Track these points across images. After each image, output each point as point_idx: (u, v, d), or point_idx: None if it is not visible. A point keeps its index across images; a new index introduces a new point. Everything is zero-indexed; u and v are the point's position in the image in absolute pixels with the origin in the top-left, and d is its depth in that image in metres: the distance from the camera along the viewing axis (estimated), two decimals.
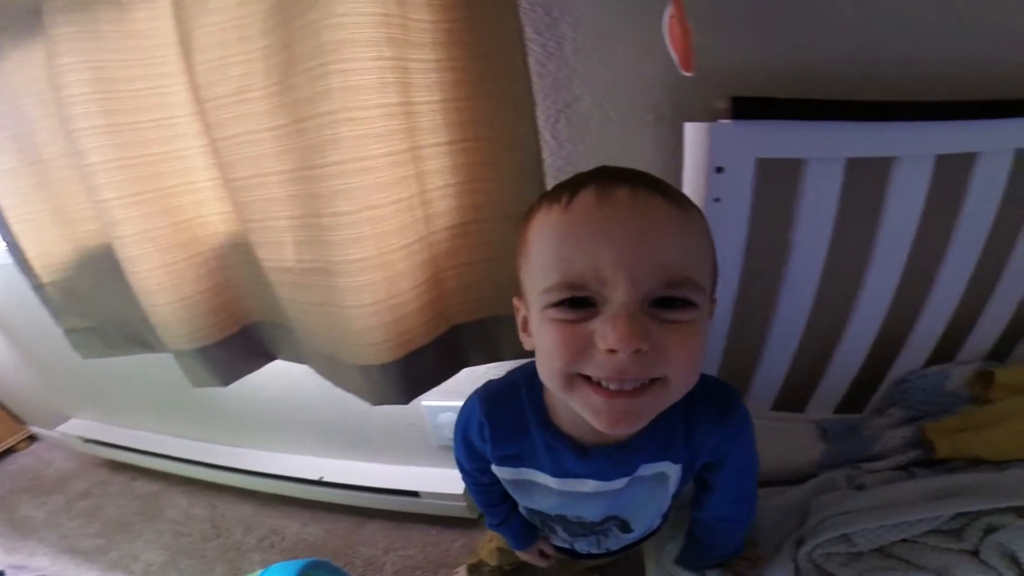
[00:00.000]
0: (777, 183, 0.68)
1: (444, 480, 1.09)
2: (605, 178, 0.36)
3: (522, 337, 0.45)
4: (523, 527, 0.65)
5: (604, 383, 0.35)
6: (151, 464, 1.42)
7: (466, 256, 0.69)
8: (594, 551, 0.63)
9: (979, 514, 0.59)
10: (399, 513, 1.21)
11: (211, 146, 0.65)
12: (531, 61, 0.63)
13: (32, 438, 1.79)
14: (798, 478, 0.75)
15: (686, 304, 0.35)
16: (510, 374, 0.53)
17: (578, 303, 0.35)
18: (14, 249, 0.94)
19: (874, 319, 0.73)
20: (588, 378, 0.36)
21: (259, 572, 0.73)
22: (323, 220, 0.59)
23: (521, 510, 0.61)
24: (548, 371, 0.38)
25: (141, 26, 0.66)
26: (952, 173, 0.64)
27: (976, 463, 0.73)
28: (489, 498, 0.62)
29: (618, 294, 0.33)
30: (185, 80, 0.65)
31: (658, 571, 0.67)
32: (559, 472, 0.49)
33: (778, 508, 0.70)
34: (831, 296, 0.73)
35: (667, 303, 0.34)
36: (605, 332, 0.33)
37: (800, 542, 0.63)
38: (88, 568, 1.22)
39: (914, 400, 0.80)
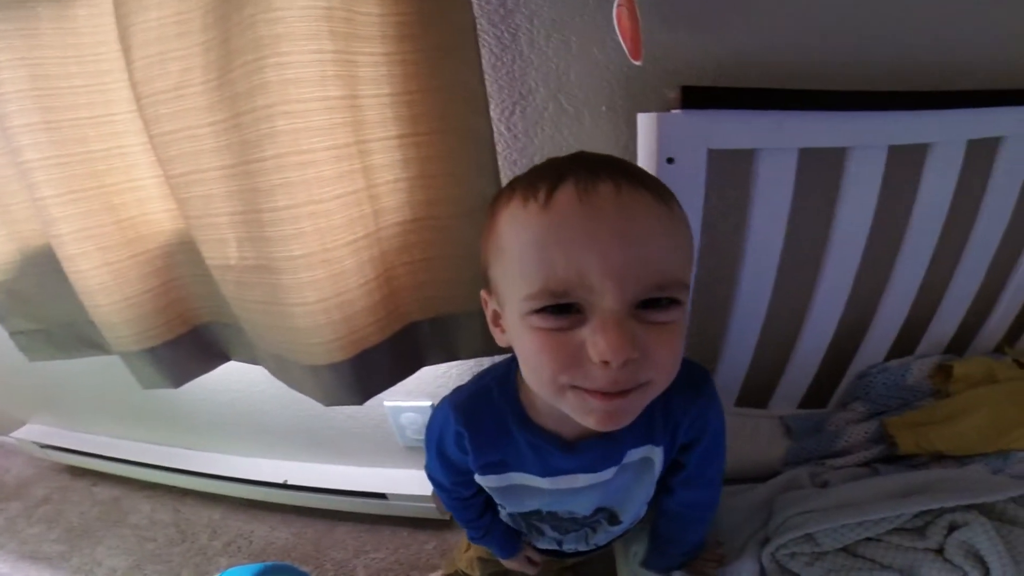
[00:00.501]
0: (731, 175, 0.69)
1: (411, 481, 1.08)
2: (585, 171, 0.34)
3: (494, 332, 0.43)
4: (507, 535, 0.64)
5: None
6: (112, 469, 1.38)
7: (420, 252, 0.67)
8: (582, 548, 0.63)
9: (942, 511, 0.60)
10: (369, 516, 1.20)
11: (150, 142, 0.62)
12: (485, 53, 0.62)
13: None
14: (764, 475, 0.75)
15: (671, 303, 0.34)
16: (479, 378, 0.51)
17: (562, 309, 0.33)
18: None
19: (833, 312, 0.74)
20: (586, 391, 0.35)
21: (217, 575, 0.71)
22: (263, 216, 0.57)
23: (504, 517, 0.60)
24: (537, 380, 0.36)
25: (82, 23, 0.64)
26: (906, 164, 0.64)
27: (938, 458, 0.74)
28: (470, 512, 0.61)
29: (607, 302, 0.32)
30: (126, 77, 0.62)
31: (627, 573, 0.67)
32: (547, 471, 0.48)
33: (742, 507, 0.70)
34: (789, 289, 0.74)
35: (653, 303, 0.33)
36: (596, 342, 0.32)
37: (765, 542, 0.64)
38: (50, 574, 1.19)
39: (876, 394, 0.81)
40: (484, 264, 0.40)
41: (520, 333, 0.36)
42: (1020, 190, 0.71)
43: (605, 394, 0.34)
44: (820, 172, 0.67)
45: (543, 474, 0.49)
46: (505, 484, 0.51)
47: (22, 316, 0.95)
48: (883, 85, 0.60)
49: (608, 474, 0.49)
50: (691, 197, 0.58)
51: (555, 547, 0.64)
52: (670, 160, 0.55)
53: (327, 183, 0.56)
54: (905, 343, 0.82)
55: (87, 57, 0.65)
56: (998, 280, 0.81)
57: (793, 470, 0.75)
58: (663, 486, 0.58)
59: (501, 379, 0.49)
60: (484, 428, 0.48)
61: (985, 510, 0.60)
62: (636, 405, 0.36)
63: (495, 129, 0.66)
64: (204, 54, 0.55)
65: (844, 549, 0.61)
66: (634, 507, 0.56)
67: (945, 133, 0.64)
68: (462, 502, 0.60)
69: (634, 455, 0.49)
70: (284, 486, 1.15)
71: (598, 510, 0.54)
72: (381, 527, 1.19)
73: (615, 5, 0.51)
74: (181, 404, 1.17)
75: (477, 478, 0.51)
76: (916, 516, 0.60)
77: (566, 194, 0.33)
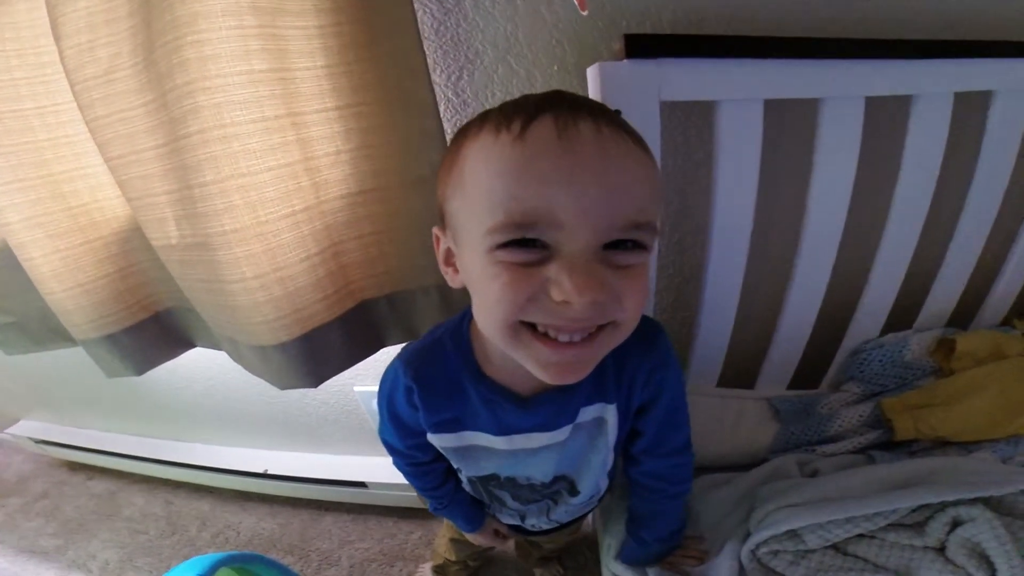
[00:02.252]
0: (695, 131, 0.66)
1: (390, 469, 1.05)
2: (564, 107, 0.32)
3: (445, 273, 0.41)
4: (471, 506, 0.63)
5: (552, 333, 0.33)
6: (107, 463, 1.42)
7: (369, 226, 0.66)
8: (544, 526, 0.62)
9: (943, 505, 0.55)
10: (354, 506, 1.21)
11: (87, 127, 0.62)
12: (427, 19, 0.61)
13: None
14: (749, 464, 0.72)
15: (638, 247, 0.33)
16: (431, 332, 0.49)
17: (527, 243, 0.31)
18: None
19: (818, 281, 0.69)
20: (533, 327, 0.34)
21: (173, 568, 0.71)
22: (193, 191, 0.56)
23: (465, 485, 0.59)
24: (491, 320, 0.35)
25: (21, 18, 0.65)
26: (888, 119, 0.61)
27: (941, 444, 0.69)
28: (428, 480, 0.60)
29: (576, 241, 0.31)
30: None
31: (605, 566, 0.65)
32: (502, 429, 0.47)
33: (724, 498, 0.67)
34: (768, 256, 0.70)
35: (620, 245, 0.32)
36: (560, 281, 0.31)
37: (746, 537, 0.60)
38: (47, 568, 1.23)
39: (871, 372, 0.76)
40: (441, 198, 0.38)
41: (482, 269, 0.34)
42: (1020, 148, 0.66)
43: (560, 344, 0.33)
44: (791, 127, 0.64)
45: (498, 432, 0.47)
46: (459, 444, 0.49)
47: None
48: (858, 34, 0.56)
49: (563, 434, 0.47)
50: None
51: (518, 522, 0.63)
52: (617, 112, 0.52)
53: (256, 156, 0.55)
54: (902, 316, 0.77)
55: (28, 50, 0.65)
56: (1002, 246, 0.76)
57: (780, 457, 0.71)
58: (629, 458, 0.56)
59: (453, 331, 0.47)
60: (435, 383, 0.46)
61: (992, 504, 0.54)
62: (595, 355, 0.35)
63: (443, 95, 0.65)
64: (131, 38, 0.55)
65: (833, 547, 0.57)
66: (592, 475, 0.54)
67: (929, 85, 0.60)
68: (419, 468, 0.58)
69: (587, 414, 0.47)
70: (265, 475, 1.16)
71: (557, 479, 0.53)
72: (367, 517, 1.20)
73: None
74: (161, 395, 1.19)
75: (430, 437, 0.49)
76: (914, 511, 0.56)
77: (544, 127, 0.31)
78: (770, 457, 0.72)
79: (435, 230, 0.42)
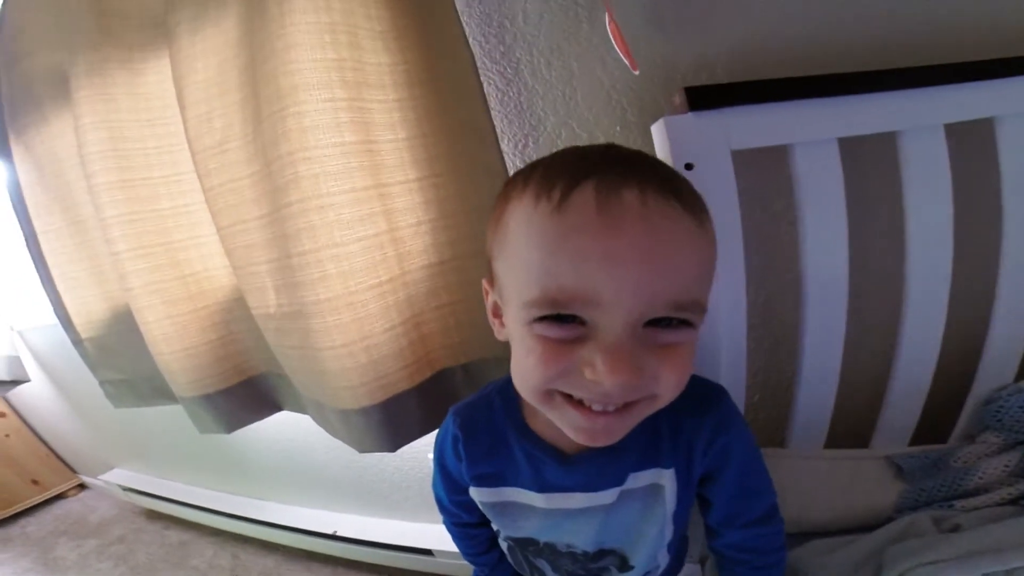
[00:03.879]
0: (771, 181, 0.64)
1: None
2: (610, 172, 0.31)
3: (492, 324, 0.42)
4: None
5: (586, 402, 0.33)
6: (184, 514, 1.48)
7: (447, 296, 0.67)
8: None
9: None
10: (415, 573, 1.18)
11: (204, 196, 0.70)
12: (491, 90, 0.64)
13: (82, 486, 1.95)
14: (871, 526, 0.63)
15: (683, 324, 0.32)
16: (482, 388, 0.51)
17: (565, 319, 0.31)
18: (58, 307, 1.05)
19: (933, 328, 0.63)
20: (569, 395, 0.34)
21: None
22: (292, 260, 0.60)
23: (507, 553, 0.56)
24: (525, 385, 0.35)
25: (152, 88, 0.75)
26: (974, 143, 0.58)
27: None
28: (472, 544, 0.59)
29: (615, 321, 0.30)
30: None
31: None
32: (542, 486, 0.46)
33: (842, 562, 0.58)
34: (871, 305, 0.66)
35: (663, 322, 0.31)
36: (594, 362, 0.30)
37: None
38: None
39: (1011, 421, 0.66)
40: (488, 252, 0.39)
41: (518, 337, 0.34)
42: None
43: (594, 413, 0.33)
44: (874, 164, 0.61)
45: (538, 489, 0.46)
46: (499, 500, 0.48)
47: (109, 367, 1.07)
48: (922, 61, 0.55)
49: (608, 497, 0.45)
50: (722, 204, 0.54)
51: None
52: (688, 166, 0.52)
53: (347, 226, 0.58)
54: None
55: (157, 120, 0.75)
56: None
57: (911, 515, 0.62)
58: (708, 531, 0.52)
59: (502, 388, 0.48)
60: (480, 435, 0.47)
61: None
62: (630, 424, 0.35)
63: (510, 162, 0.67)
64: (241, 110, 0.61)
65: None
66: (646, 549, 0.49)
67: (1010, 104, 0.56)
68: (464, 530, 0.57)
69: (639, 479, 0.44)
70: (334, 537, 1.15)
71: (603, 552, 0.49)
72: None
73: (607, 21, 0.52)
74: (244, 453, 1.25)
75: (471, 492, 0.49)
76: None
77: (584, 198, 0.30)
78: (896, 517, 0.63)
79: (484, 283, 0.42)
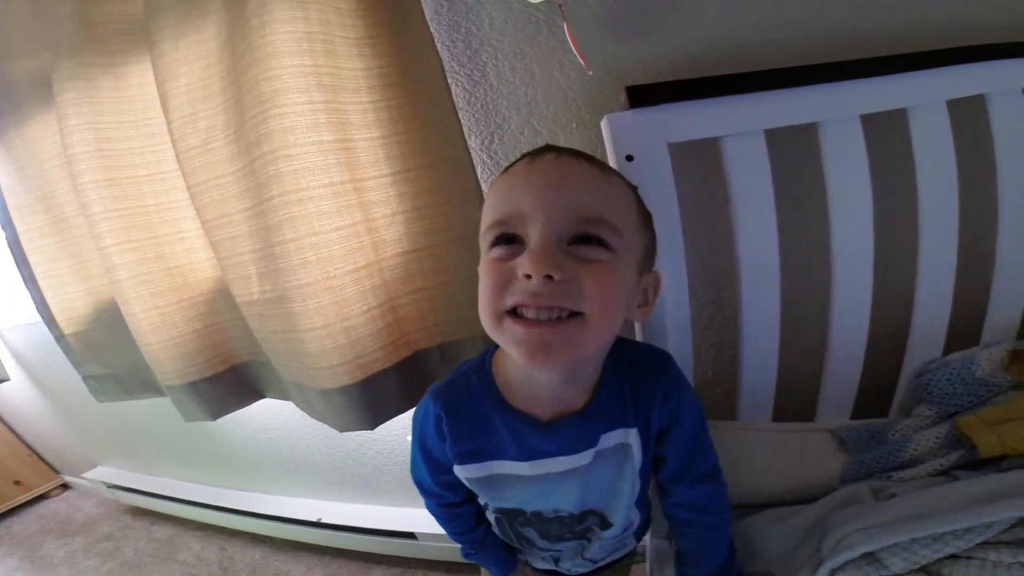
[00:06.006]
0: (711, 171, 0.69)
1: None
2: (541, 150, 0.44)
3: None
4: (501, 551, 0.65)
5: (523, 312, 0.40)
6: (170, 509, 1.51)
7: (421, 282, 0.73)
8: (581, 569, 0.63)
9: None
10: (403, 559, 1.22)
11: (188, 192, 0.75)
12: (459, 91, 0.71)
13: (65, 486, 1.96)
14: (817, 497, 0.67)
15: (600, 244, 0.41)
16: (456, 369, 0.55)
17: (509, 240, 0.42)
18: (41, 305, 1.08)
19: (860, 305, 0.69)
20: (514, 314, 0.41)
21: None
22: (275, 248, 0.66)
23: (493, 527, 0.61)
24: (483, 309, 0.43)
25: (135, 92, 0.79)
26: (888, 134, 0.63)
27: None
28: (458, 523, 0.62)
29: (536, 229, 0.40)
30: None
31: None
32: (526, 454, 0.50)
33: (791, 530, 0.63)
34: (803, 286, 0.71)
35: (583, 240, 0.40)
36: (522, 260, 0.40)
37: (819, 567, 0.55)
38: None
39: (941, 393, 0.71)
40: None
41: (482, 271, 0.44)
42: None
43: (530, 321, 0.40)
44: (799, 153, 0.66)
45: (522, 458, 0.50)
46: (484, 474, 0.52)
47: (95, 362, 1.11)
48: (846, 56, 0.61)
49: (586, 458, 0.50)
50: (661, 192, 0.60)
51: (552, 566, 0.64)
52: (629, 158, 0.58)
53: (326, 216, 0.64)
54: (964, 333, 0.73)
55: (141, 122, 0.80)
56: None
57: (852, 485, 0.67)
58: (661, 489, 0.58)
59: (477, 366, 0.53)
60: (461, 413, 0.51)
61: None
62: (563, 340, 0.40)
63: (478, 158, 0.73)
64: (224, 112, 0.67)
65: (923, 569, 0.52)
66: (622, 506, 0.55)
67: (919, 96, 0.62)
68: (449, 510, 0.61)
69: (610, 439, 0.50)
70: (319, 524, 1.20)
71: (586, 514, 0.55)
72: (415, 570, 1.21)
73: (564, 26, 0.59)
74: (227, 445, 1.28)
75: (456, 470, 0.52)
76: (1015, 525, 0.50)
77: (521, 162, 0.44)
78: (840, 488, 0.68)
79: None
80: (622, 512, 0.56)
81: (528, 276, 0.39)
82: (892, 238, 0.67)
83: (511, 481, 0.52)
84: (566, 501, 0.54)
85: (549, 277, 0.38)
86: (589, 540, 0.58)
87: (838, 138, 0.62)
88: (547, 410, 0.49)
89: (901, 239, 0.68)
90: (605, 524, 0.56)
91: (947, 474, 0.65)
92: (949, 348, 0.74)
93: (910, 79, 0.61)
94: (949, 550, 0.52)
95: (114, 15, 0.78)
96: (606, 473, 0.52)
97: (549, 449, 0.50)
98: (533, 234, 0.40)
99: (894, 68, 0.60)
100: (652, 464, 0.56)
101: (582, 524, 0.56)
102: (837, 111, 0.61)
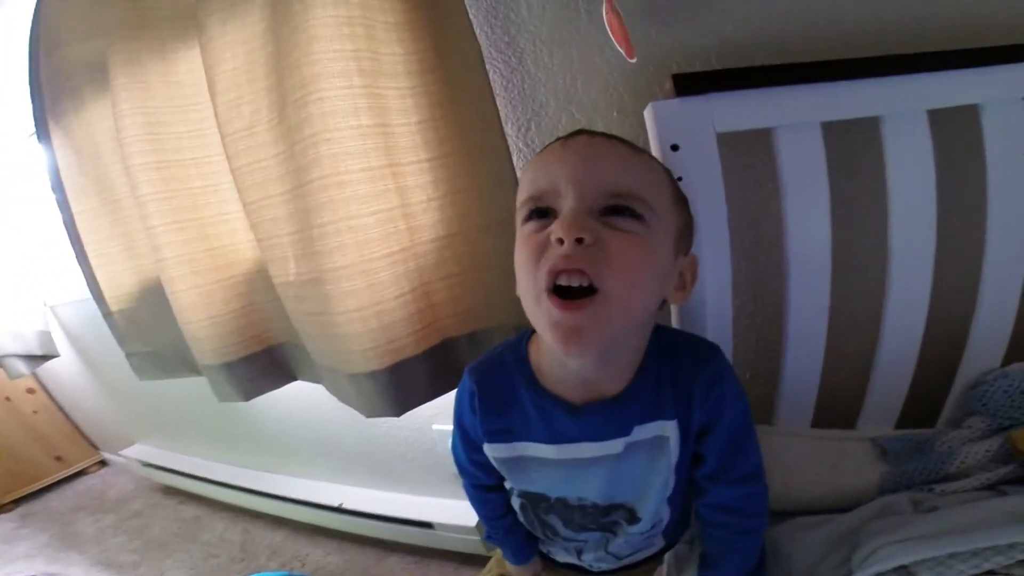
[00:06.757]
0: (762, 163, 0.67)
1: (457, 512, 1.10)
2: (575, 133, 0.46)
3: None
4: (524, 540, 0.65)
5: (555, 273, 0.41)
6: (200, 489, 1.57)
7: (454, 267, 0.74)
8: (604, 566, 0.62)
9: None
10: (420, 548, 1.23)
11: (232, 175, 0.77)
12: (497, 77, 0.71)
13: (103, 463, 2.05)
14: (854, 506, 0.64)
15: (632, 215, 0.42)
16: (494, 348, 0.57)
17: (543, 214, 0.43)
18: (91, 282, 1.14)
19: (917, 310, 0.65)
20: (551, 294, 0.41)
21: None
22: (312, 231, 0.67)
23: (519, 514, 0.61)
24: (522, 283, 0.45)
25: (183, 77, 0.83)
26: (957, 128, 0.60)
27: None
28: (489, 508, 0.63)
29: (568, 202, 0.42)
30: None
31: None
32: (553, 437, 0.50)
33: (821, 539, 0.60)
34: (855, 287, 0.69)
35: (615, 211, 0.42)
36: (555, 227, 0.41)
37: None
38: None
39: (996, 405, 0.67)
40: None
41: (518, 246, 0.45)
42: None
43: (564, 303, 0.40)
44: (859, 148, 0.64)
45: (549, 440, 0.51)
46: (512, 455, 0.53)
47: (137, 339, 1.16)
48: (909, 49, 0.58)
49: (616, 446, 0.49)
50: (707, 182, 0.59)
51: (575, 559, 0.63)
52: (675, 147, 0.57)
53: (363, 201, 0.66)
54: None
55: (188, 106, 0.83)
56: None
57: (891, 496, 0.64)
58: (697, 488, 0.55)
59: (513, 346, 0.54)
60: (493, 390, 0.52)
61: None
62: (591, 322, 0.41)
63: (514, 145, 0.73)
64: (267, 96, 0.69)
65: None
66: (652, 501, 0.53)
67: (993, 90, 0.58)
68: (483, 494, 0.61)
69: (645, 431, 0.49)
70: (340, 510, 1.22)
71: (613, 507, 0.54)
72: (430, 560, 1.22)
73: (604, 11, 0.58)
74: (258, 426, 1.32)
75: (485, 448, 0.53)
76: None
77: (555, 143, 0.46)
78: (877, 498, 0.65)
79: None
80: (652, 508, 0.54)
81: (560, 241, 0.40)
82: (955, 240, 0.63)
83: (536, 464, 0.52)
84: (591, 490, 0.53)
85: (580, 241, 0.39)
86: (615, 533, 0.57)
87: (903, 133, 0.59)
88: (578, 393, 0.49)
89: (966, 241, 0.64)
90: (633, 519, 0.55)
91: (994, 488, 0.62)
92: (1009, 359, 0.69)
93: (985, 73, 0.58)
94: (988, 566, 0.49)
95: (166, 0, 0.81)
96: (637, 466, 0.51)
97: (576, 433, 0.50)
98: (565, 206, 0.42)
99: (966, 63, 0.58)
100: (691, 460, 0.54)
101: (608, 516, 0.55)
102: (903, 105, 0.58)
